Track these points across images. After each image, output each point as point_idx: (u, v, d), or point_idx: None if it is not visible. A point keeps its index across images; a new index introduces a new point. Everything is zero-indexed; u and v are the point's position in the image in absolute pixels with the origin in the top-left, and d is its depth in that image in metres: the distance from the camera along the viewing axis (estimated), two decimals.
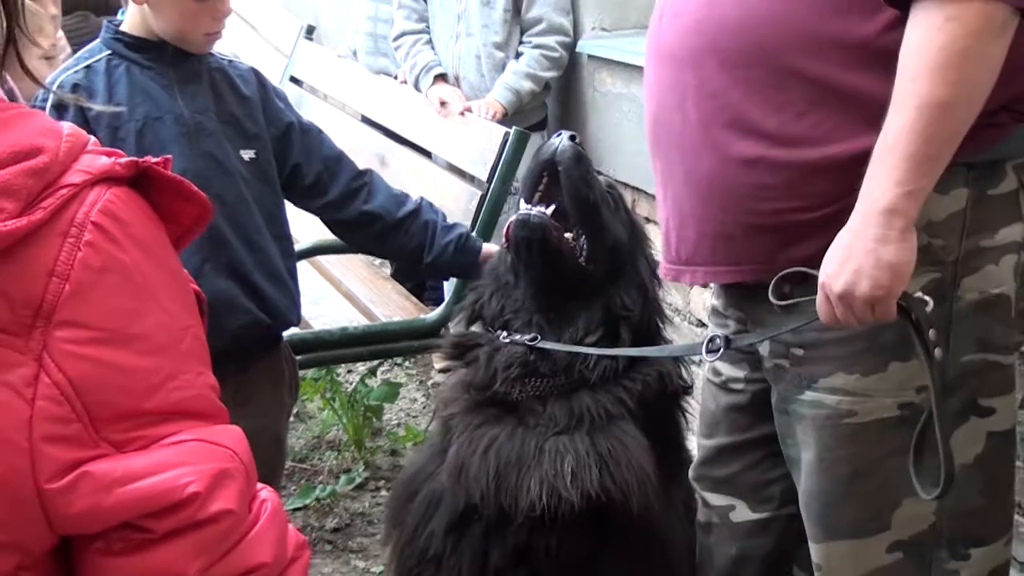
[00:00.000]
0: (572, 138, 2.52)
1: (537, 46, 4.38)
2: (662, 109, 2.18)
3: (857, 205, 1.88)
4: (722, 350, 2.23)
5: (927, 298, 1.92)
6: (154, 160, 1.14)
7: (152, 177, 1.13)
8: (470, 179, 3.98)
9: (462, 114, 4.27)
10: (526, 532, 2.33)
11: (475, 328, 2.63)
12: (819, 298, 1.94)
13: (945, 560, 2.13)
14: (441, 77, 4.47)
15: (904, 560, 2.12)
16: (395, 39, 4.67)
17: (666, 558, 2.43)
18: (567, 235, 2.47)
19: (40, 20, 3.05)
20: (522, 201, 2.51)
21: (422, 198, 3.04)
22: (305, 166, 2.87)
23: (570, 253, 2.46)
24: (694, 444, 2.75)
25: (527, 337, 2.43)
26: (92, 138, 1.14)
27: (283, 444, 3.05)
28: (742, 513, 2.42)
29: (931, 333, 1.92)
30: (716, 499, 2.47)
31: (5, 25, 1.17)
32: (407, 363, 4.98)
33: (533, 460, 2.32)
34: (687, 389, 2.60)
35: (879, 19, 1.92)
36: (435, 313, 3.90)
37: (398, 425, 4.51)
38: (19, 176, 1.03)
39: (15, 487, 1.04)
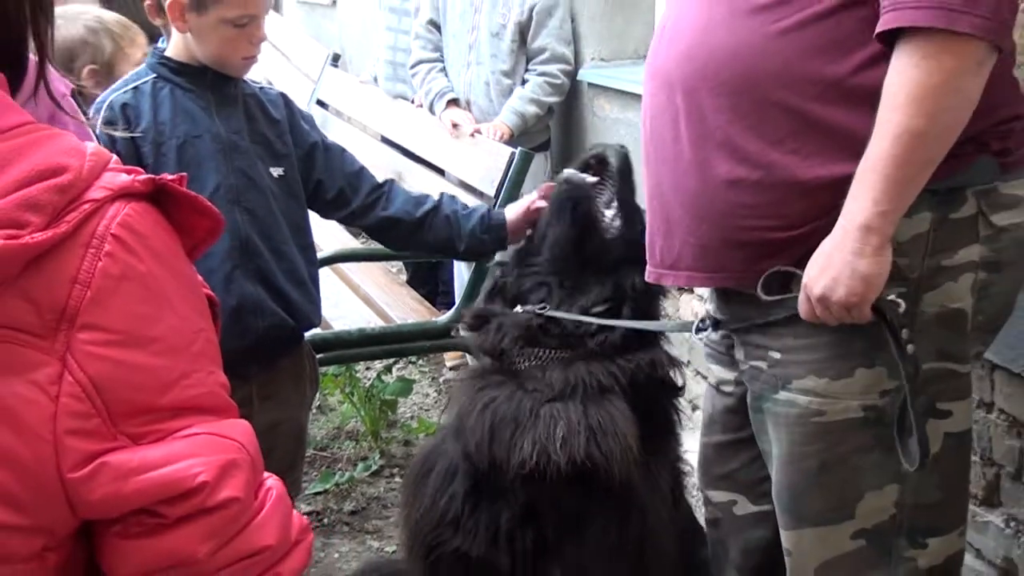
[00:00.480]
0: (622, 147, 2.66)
1: (541, 74, 4.39)
2: (656, 125, 2.18)
3: (839, 219, 1.90)
4: (709, 329, 2.25)
5: (900, 300, 1.93)
6: (170, 177, 1.13)
7: (169, 193, 1.13)
8: (479, 195, 3.97)
9: (472, 135, 4.27)
10: (527, 493, 2.34)
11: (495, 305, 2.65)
12: (801, 297, 1.96)
13: (904, 548, 2.13)
14: (453, 102, 4.47)
15: (867, 547, 2.12)
16: (412, 67, 4.68)
17: (645, 529, 2.41)
18: (607, 210, 2.54)
19: (134, 32, 3.07)
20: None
21: (443, 194, 3.01)
22: (327, 182, 2.86)
23: (600, 223, 2.53)
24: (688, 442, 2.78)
25: (537, 306, 2.46)
26: (114, 157, 1.13)
27: (304, 433, 3.04)
28: (744, 506, 2.42)
29: (904, 332, 1.94)
30: (718, 496, 2.48)
31: (37, 58, 1.17)
32: (420, 362, 4.97)
33: (528, 421, 2.33)
34: (678, 388, 2.58)
35: (852, 60, 1.93)
36: (446, 316, 3.92)
37: (411, 418, 4.50)
38: (45, 192, 1.02)
39: (41, 476, 1.04)
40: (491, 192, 3.82)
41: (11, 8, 1.11)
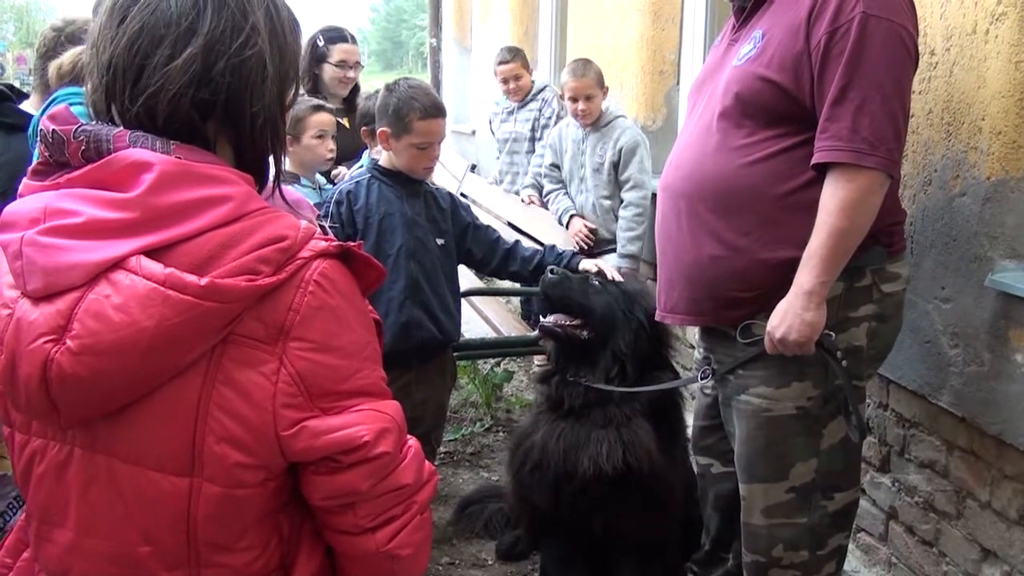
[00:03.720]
0: (551, 271, 2.48)
1: (629, 204, 3.94)
2: (664, 222, 2.17)
3: (792, 286, 1.88)
4: (710, 376, 2.20)
5: (831, 332, 1.91)
6: (353, 244, 1.11)
7: (352, 254, 1.10)
8: None
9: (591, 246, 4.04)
10: (582, 483, 2.32)
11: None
12: (766, 339, 1.94)
13: (819, 499, 2.09)
14: (574, 215, 4.18)
15: (795, 498, 2.08)
16: (546, 193, 4.38)
17: (665, 494, 2.39)
18: (571, 323, 2.42)
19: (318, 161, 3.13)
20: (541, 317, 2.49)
21: (546, 248, 2.91)
22: (475, 250, 2.85)
23: (575, 334, 2.42)
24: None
25: (581, 378, 2.40)
26: (318, 230, 1.11)
27: (445, 406, 3.03)
28: (717, 468, 2.38)
29: (839, 353, 1.92)
30: (702, 460, 2.44)
31: (274, 171, 1.18)
32: (519, 360, 4.96)
33: (584, 444, 2.30)
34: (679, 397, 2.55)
35: (797, 182, 1.92)
36: (535, 332, 3.91)
37: (511, 395, 4.50)
38: (273, 252, 1.02)
39: (264, 432, 1.04)
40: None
41: (259, 142, 1.11)
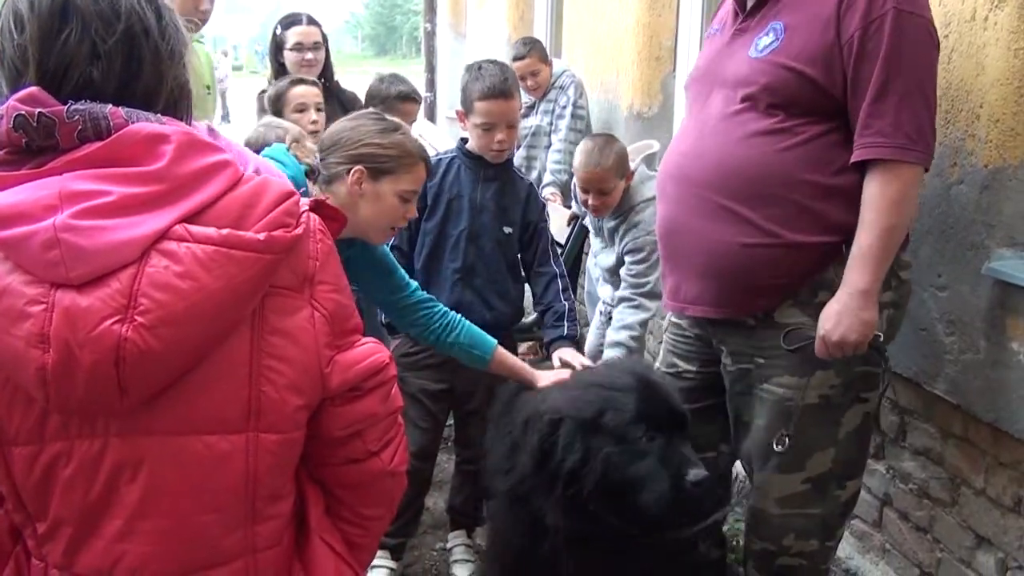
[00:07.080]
0: (707, 483, 1.91)
1: (624, 299, 3.07)
2: (679, 213, 2.10)
3: (843, 287, 1.88)
4: (784, 445, 2.04)
5: (880, 333, 1.92)
6: (321, 199, 1.19)
7: (322, 206, 1.17)
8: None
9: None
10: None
11: None
12: (818, 344, 1.93)
13: (833, 488, 2.09)
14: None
15: (810, 489, 2.08)
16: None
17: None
18: None
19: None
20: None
21: (560, 296, 2.76)
22: (524, 252, 2.79)
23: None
24: None
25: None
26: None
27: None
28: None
29: (886, 354, 1.94)
30: None
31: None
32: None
33: None
34: None
35: (829, 169, 1.93)
36: (529, 319, 3.89)
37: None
38: (293, 206, 1.08)
39: (312, 373, 1.11)
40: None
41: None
